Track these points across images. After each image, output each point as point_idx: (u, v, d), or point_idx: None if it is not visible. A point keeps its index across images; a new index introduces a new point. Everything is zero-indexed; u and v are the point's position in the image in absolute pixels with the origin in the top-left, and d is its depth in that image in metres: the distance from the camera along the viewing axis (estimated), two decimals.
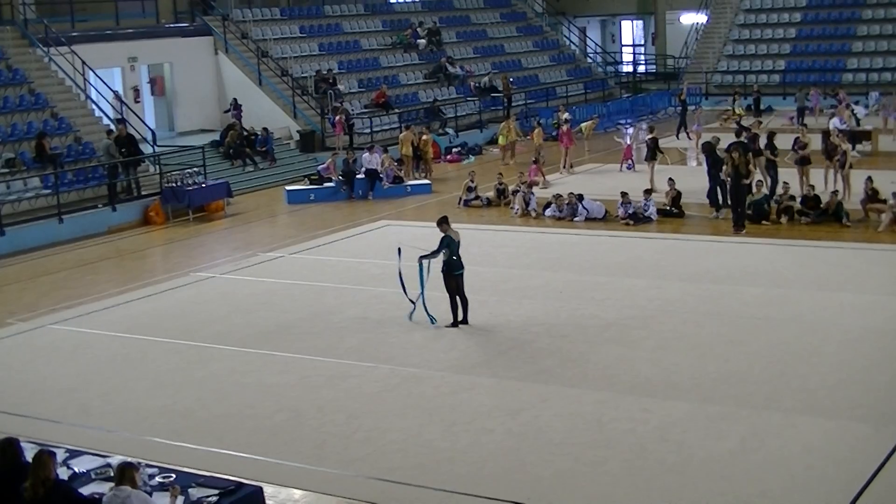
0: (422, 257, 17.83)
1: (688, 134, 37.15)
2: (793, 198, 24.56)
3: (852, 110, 36.02)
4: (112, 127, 30.14)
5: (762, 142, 26.64)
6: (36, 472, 9.52)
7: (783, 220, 24.18)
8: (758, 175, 25.35)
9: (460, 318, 17.76)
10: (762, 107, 42.58)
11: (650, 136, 29.54)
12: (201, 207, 28.77)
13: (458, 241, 17.69)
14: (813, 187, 25.04)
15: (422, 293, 17.85)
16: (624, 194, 25.60)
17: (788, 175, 26.11)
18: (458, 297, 17.72)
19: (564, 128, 33.07)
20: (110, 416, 14.58)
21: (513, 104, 42.78)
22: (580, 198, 26.05)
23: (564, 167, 32.56)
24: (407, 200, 29.62)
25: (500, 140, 35.27)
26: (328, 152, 34.73)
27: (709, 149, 25.71)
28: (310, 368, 16.04)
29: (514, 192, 27.57)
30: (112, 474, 10.23)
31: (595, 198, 26.48)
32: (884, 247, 22.11)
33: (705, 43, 51.65)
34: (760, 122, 31.46)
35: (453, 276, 17.61)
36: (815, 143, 27.36)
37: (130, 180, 28.77)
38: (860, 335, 16.55)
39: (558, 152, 32.93)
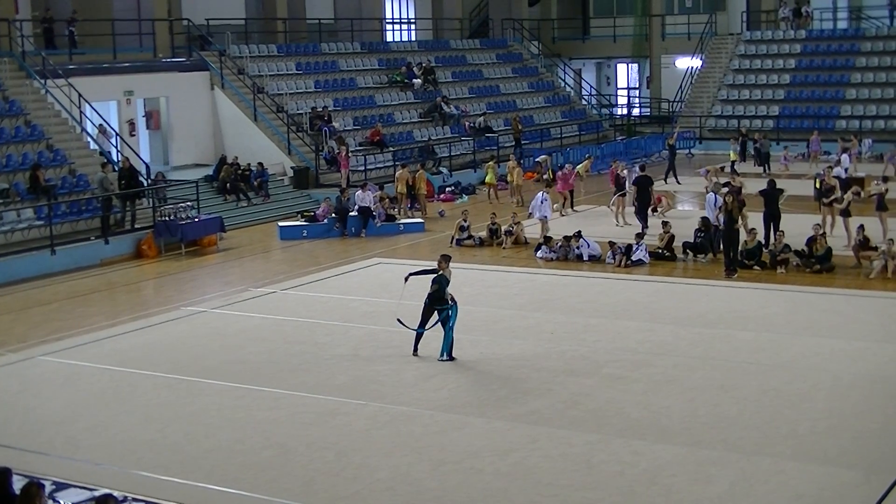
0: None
1: (676, 179, 37.50)
2: (787, 247, 24.51)
3: (839, 160, 36.17)
4: (106, 160, 30.24)
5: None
6: None
7: (779, 270, 24.11)
8: (750, 224, 25.42)
9: (446, 357, 17.95)
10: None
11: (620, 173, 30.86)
12: (194, 242, 28.78)
13: (448, 280, 18.04)
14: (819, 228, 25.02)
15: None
16: (612, 244, 25.74)
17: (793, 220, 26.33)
18: (426, 326, 18.09)
19: (567, 170, 33.49)
20: (98, 449, 14.51)
21: (522, 145, 43.07)
22: (578, 235, 26.15)
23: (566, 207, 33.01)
24: (399, 238, 29.66)
25: (509, 178, 35.46)
26: (322, 189, 34.90)
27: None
28: (299, 405, 15.99)
29: (507, 232, 27.75)
30: None
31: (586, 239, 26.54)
32: (875, 293, 22.17)
33: (700, 87, 51.97)
34: (738, 173, 31.71)
35: (433, 308, 18.02)
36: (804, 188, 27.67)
37: (125, 213, 28.77)
38: (851, 381, 16.55)
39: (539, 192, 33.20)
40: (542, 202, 28.41)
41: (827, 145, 41.65)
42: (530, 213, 29.51)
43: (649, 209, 29.64)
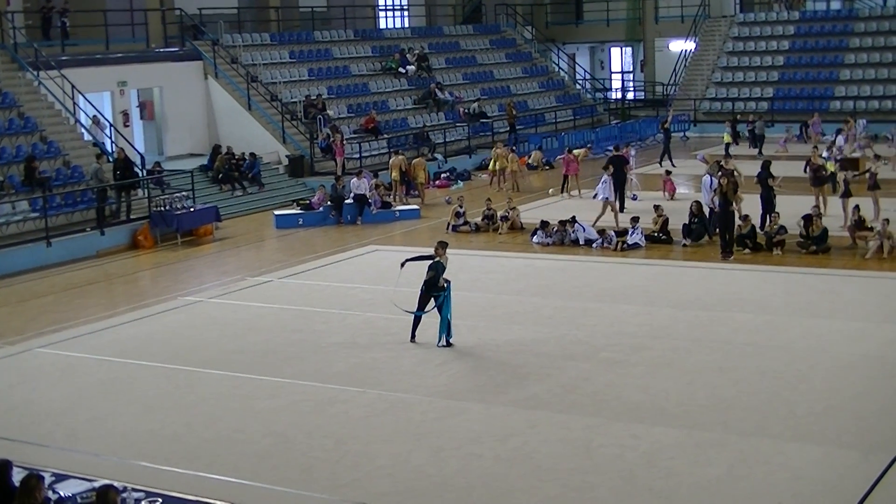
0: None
1: (671, 162, 37.45)
2: (783, 228, 24.49)
3: (834, 141, 36.13)
4: (100, 151, 30.20)
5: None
6: (23, 497, 9.47)
7: (775, 251, 24.11)
8: (744, 210, 25.39)
9: (443, 343, 17.97)
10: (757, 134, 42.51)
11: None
12: (190, 232, 28.76)
13: (444, 267, 18.08)
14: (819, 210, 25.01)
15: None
16: (602, 232, 25.67)
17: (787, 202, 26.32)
18: (423, 313, 18.17)
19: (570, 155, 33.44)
20: (98, 440, 14.52)
21: (516, 130, 43.04)
22: (573, 220, 26.15)
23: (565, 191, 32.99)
24: (395, 226, 29.65)
25: (500, 164, 35.27)
26: (317, 177, 34.87)
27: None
28: (298, 393, 16.00)
29: (503, 218, 27.76)
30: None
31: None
32: (871, 274, 22.22)
33: (694, 70, 51.93)
34: (730, 156, 31.51)
35: (430, 294, 18.04)
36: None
37: (120, 203, 28.74)
38: (848, 362, 16.57)
39: (536, 178, 33.17)
40: (602, 183, 28.01)
41: (826, 127, 41.55)
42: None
43: (625, 190, 29.93)
